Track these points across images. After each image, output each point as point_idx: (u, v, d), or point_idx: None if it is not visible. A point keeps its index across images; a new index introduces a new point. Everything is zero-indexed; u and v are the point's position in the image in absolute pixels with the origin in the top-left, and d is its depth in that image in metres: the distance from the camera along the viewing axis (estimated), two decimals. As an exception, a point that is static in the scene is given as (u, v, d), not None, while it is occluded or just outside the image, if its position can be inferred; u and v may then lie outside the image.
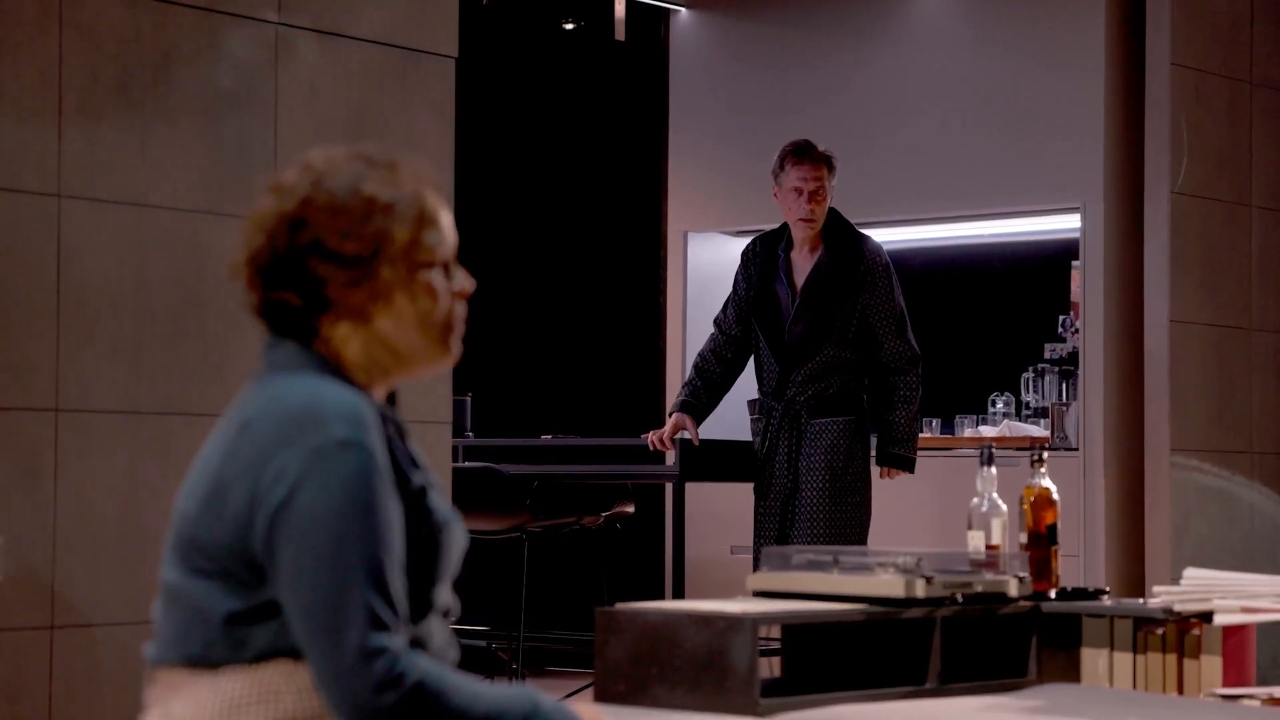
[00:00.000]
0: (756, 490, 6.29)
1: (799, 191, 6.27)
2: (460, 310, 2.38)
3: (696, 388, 6.44)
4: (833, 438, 6.17)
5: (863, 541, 6.15)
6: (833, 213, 6.35)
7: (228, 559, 2.24)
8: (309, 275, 2.29)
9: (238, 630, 2.24)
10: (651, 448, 6.44)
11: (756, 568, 5.95)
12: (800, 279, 6.31)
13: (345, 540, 2.18)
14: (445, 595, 2.38)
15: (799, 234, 6.33)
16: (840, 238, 6.33)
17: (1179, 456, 6.78)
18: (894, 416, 6.25)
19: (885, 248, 8.18)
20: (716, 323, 6.51)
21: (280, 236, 2.30)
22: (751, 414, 6.46)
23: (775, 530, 6.14)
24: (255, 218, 2.33)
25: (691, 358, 6.73)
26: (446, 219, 2.37)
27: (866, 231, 7.93)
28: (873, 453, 6.31)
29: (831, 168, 6.32)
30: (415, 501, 2.31)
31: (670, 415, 6.50)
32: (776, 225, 6.49)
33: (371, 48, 4.73)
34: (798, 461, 6.17)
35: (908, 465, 6.28)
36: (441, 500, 2.36)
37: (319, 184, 2.31)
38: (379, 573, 2.19)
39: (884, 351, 6.28)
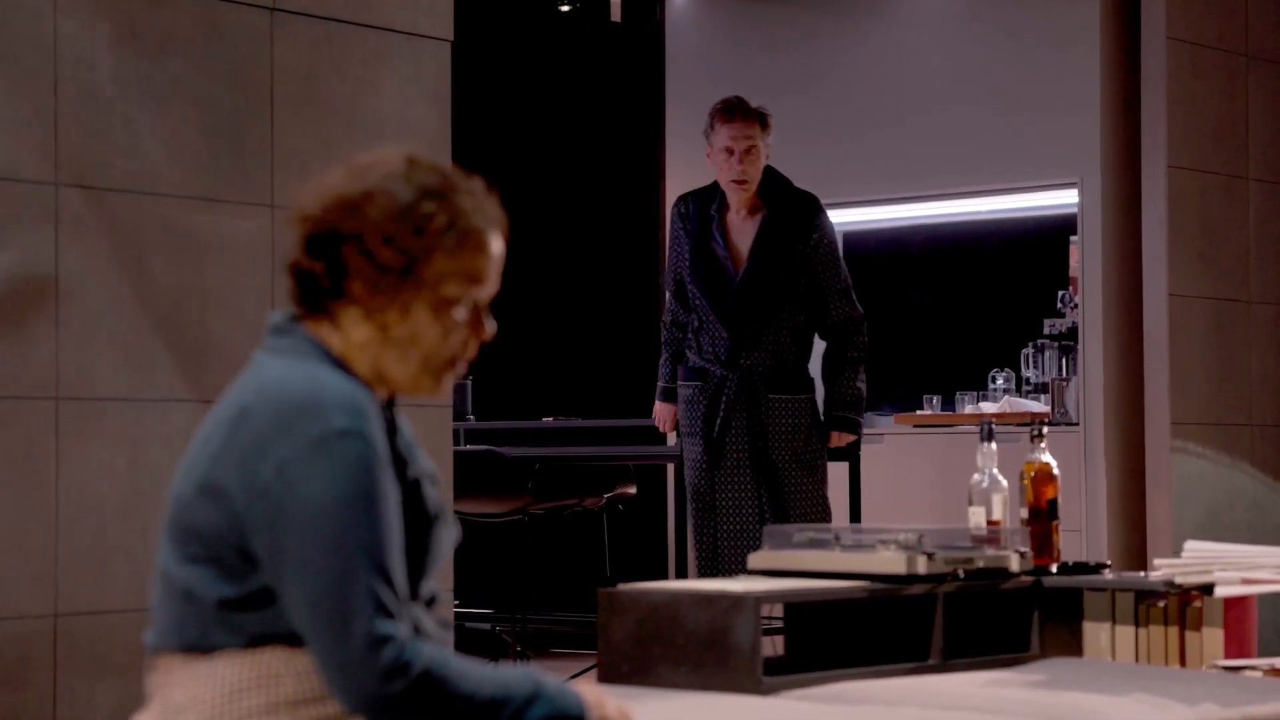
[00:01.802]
0: (711, 464, 5.87)
1: (729, 152, 5.86)
2: (471, 351, 2.38)
3: (675, 370, 6.12)
4: (794, 418, 5.89)
5: (829, 519, 5.94)
6: (770, 171, 5.96)
7: (220, 546, 2.24)
8: (341, 261, 2.30)
9: (231, 616, 2.24)
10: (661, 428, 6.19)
11: (706, 547, 5.83)
12: (740, 241, 5.93)
13: (349, 530, 2.19)
14: (431, 585, 2.39)
15: (733, 197, 5.93)
16: (781, 196, 5.94)
17: (1179, 439, 6.79)
18: (841, 380, 5.95)
19: (885, 226, 8.22)
20: (671, 289, 6.15)
21: (332, 214, 2.31)
22: (688, 380, 6.02)
23: (756, 512, 5.81)
24: (322, 186, 2.34)
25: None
26: (496, 261, 2.36)
27: (864, 209, 7.97)
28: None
29: (765, 125, 5.91)
30: (411, 492, 2.32)
31: (657, 401, 6.17)
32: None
33: (366, 32, 4.73)
34: (765, 440, 5.85)
35: (855, 428, 6.00)
36: (435, 493, 2.37)
37: (387, 182, 2.31)
38: (382, 561, 2.20)
39: (829, 312, 5.95)
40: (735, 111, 5.90)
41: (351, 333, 2.33)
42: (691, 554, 5.97)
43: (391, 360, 2.33)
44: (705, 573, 5.88)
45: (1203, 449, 6.82)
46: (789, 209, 5.92)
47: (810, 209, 5.94)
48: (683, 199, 6.09)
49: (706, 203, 5.99)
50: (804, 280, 5.91)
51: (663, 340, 6.17)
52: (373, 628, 2.16)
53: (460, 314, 2.34)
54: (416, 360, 2.34)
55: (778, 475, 5.85)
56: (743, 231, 5.95)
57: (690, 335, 6.02)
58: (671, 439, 6.54)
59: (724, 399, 5.88)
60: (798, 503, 5.85)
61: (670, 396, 6.12)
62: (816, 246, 5.91)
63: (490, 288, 2.37)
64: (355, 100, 4.69)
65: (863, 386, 5.99)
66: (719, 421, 5.87)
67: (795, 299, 5.91)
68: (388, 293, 2.30)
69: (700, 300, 5.95)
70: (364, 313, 2.31)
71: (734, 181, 5.89)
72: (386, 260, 2.29)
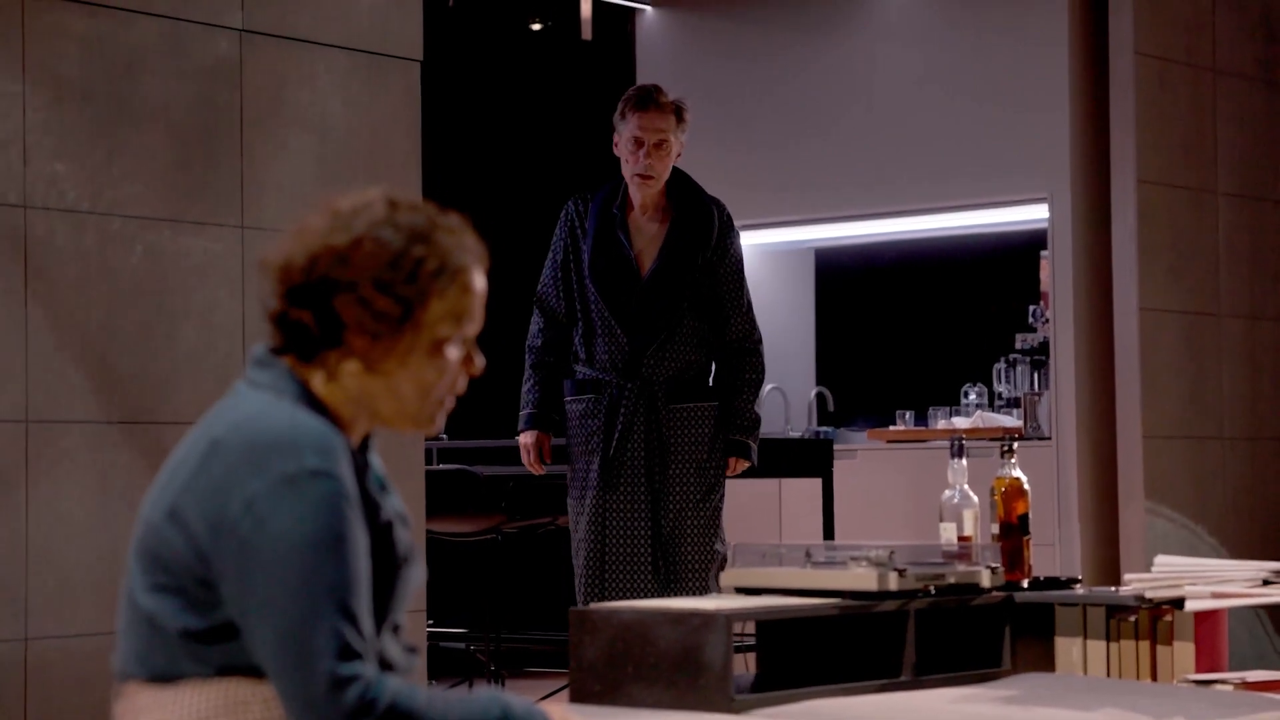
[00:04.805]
0: (605, 483, 5.39)
1: (638, 143, 5.39)
2: (461, 385, 2.38)
3: (544, 395, 5.60)
4: (696, 428, 5.43)
5: (719, 539, 5.42)
6: (680, 174, 5.51)
7: (185, 576, 2.23)
8: (333, 311, 2.28)
9: (195, 647, 2.23)
10: (537, 471, 5.62)
11: (594, 573, 5.33)
12: (643, 243, 5.47)
13: (316, 570, 2.18)
14: (396, 617, 2.39)
15: (637, 194, 5.46)
16: (690, 201, 5.49)
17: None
18: (740, 401, 5.47)
19: (857, 242, 8.23)
20: (541, 299, 5.63)
21: (320, 264, 2.28)
22: (579, 395, 5.56)
23: (649, 532, 5.35)
24: (304, 233, 2.31)
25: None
26: (481, 297, 2.36)
27: (836, 225, 7.99)
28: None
29: (681, 119, 5.45)
30: (381, 535, 2.31)
31: (521, 431, 5.62)
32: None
33: (336, 52, 4.72)
34: (665, 453, 5.40)
35: (751, 455, 5.49)
36: (406, 535, 2.37)
37: (375, 229, 2.29)
38: (348, 601, 2.19)
39: (730, 328, 5.49)
40: (649, 101, 5.43)
41: (347, 383, 2.31)
42: (579, 583, 5.44)
43: (387, 405, 2.33)
44: (592, 600, 5.36)
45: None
46: (698, 215, 5.48)
47: (721, 218, 5.51)
48: (577, 198, 5.57)
49: (607, 202, 5.49)
50: (707, 290, 5.47)
51: (530, 363, 5.65)
52: (336, 669, 2.16)
53: (453, 353, 2.34)
54: (413, 404, 2.34)
55: (674, 492, 5.40)
56: (646, 233, 5.49)
57: (579, 345, 5.55)
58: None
59: (622, 411, 5.42)
60: (691, 523, 5.38)
61: (543, 424, 5.59)
62: (724, 257, 5.48)
63: (478, 324, 2.37)
64: (325, 121, 4.69)
65: (759, 413, 5.54)
66: (617, 436, 5.41)
67: (699, 308, 5.47)
68: (387, 341, 2.29)
69: (598, 303, 5.47)
70: (363, 365, 2.30)
71: (638, 175, 5.42)
72: (385, 309, 2.28)
